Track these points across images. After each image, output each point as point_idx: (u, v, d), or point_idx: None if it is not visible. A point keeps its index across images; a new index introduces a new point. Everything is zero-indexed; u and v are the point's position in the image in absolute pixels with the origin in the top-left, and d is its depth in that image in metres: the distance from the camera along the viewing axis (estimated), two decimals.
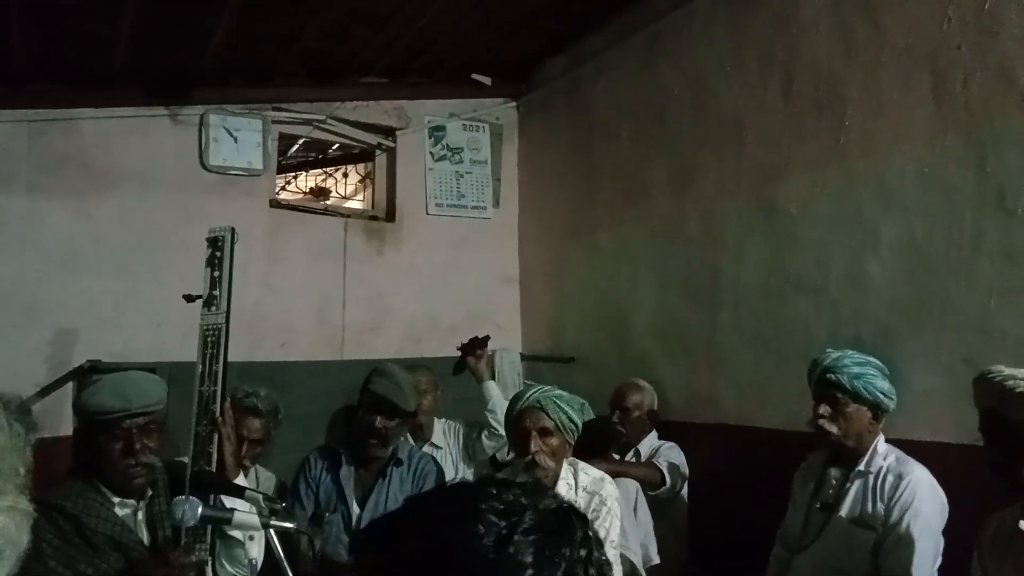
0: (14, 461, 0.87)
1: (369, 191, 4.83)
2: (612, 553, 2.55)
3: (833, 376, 2.41)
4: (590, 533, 0.74)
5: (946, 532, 2.28)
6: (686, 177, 3.61)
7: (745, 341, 3.28)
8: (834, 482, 2.47)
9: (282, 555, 1.83)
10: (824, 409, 2.42)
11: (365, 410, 2.70)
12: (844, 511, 2.38)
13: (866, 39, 2.81)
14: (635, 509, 2.97)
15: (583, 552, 0.72)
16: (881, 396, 2.40)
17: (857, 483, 2.39)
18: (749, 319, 3.27)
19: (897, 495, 2.27)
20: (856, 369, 2.41)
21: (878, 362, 2.45)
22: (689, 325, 3.58)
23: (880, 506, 2.30)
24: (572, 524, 0.73)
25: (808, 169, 2.99)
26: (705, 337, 3.48)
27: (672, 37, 3.70)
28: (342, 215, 4.52)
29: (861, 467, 2.39)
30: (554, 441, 2.54)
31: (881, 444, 2.41)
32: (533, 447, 2.52)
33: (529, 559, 0.68)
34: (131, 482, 2.10)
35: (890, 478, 2.32)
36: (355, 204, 4.94)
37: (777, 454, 2.88)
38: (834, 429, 2.40)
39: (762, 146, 3.20)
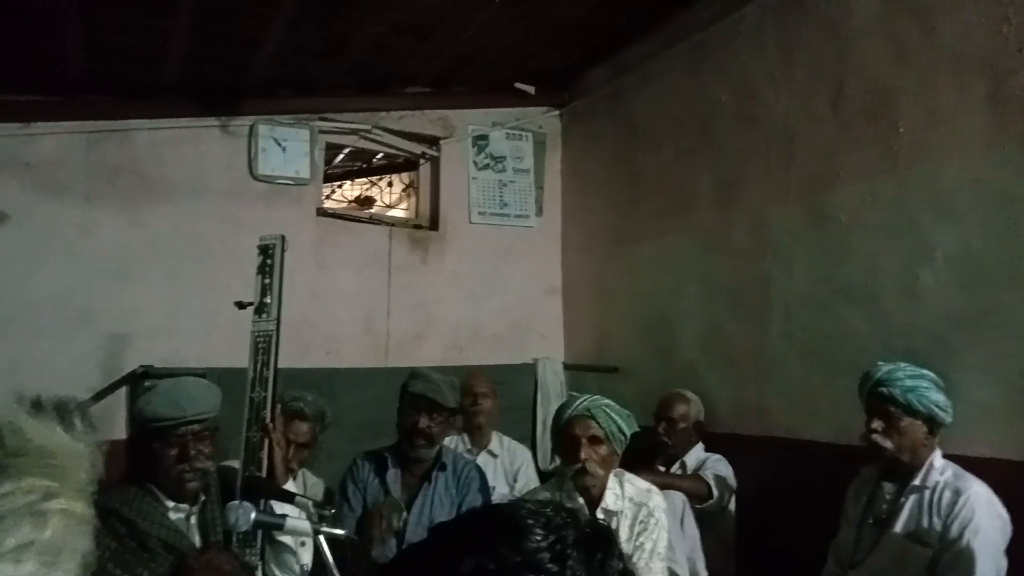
0: (75, 463, 0.86)
1: (413, 200, 4.87)
2: (660, 566, 2.52)
3: (885, 389, 2.36)
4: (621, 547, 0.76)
5: (1009, 552, 2.21)
6: (733, 187, 3.57)
7: (795, 352, 3.23)
8: (888, 497, 2.41)
9: (331, 561, 1.84)
10: (877, 423, 2.36)
11: (407, 412, 2.72)
12: (898, 527, 2.32)
13: (919, 45, 2.75)
14: (682, 522, 2.93)
15: (622, 565, 0.73)
16: (936, 409, 2.33)
17: (912, 498, 2.33)
18: (799, 330, 3.22)
19: (955, 511, 2.21)
20: (909, 382, 2.35)
21: (932, 375, 2.39)
22: (736, 336, 3.53)
23: (937, 522, 2.24)
24: (611, 538, 0.74)
25: (859, 178, 2.93)
26: (753, 348, 3.44)
27: (718, 46, 3.68)
28: (387, 224, 4.57)
29: (916, 482, 2.33)
30: (603, 450, 2.53)
31: (938, 459, 2.34)
32: (583, 455, 2.50)
33: (583, 572, 0.68)
34: (184, 487, 2.13)
35: (947, 494, 2.25)
36: (399, 213, 4.99)
37: (827, 467, 2.82)
38: (888, 444, 2.34)
39: (812, 155, 3.15)
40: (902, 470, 2.37)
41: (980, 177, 2.54)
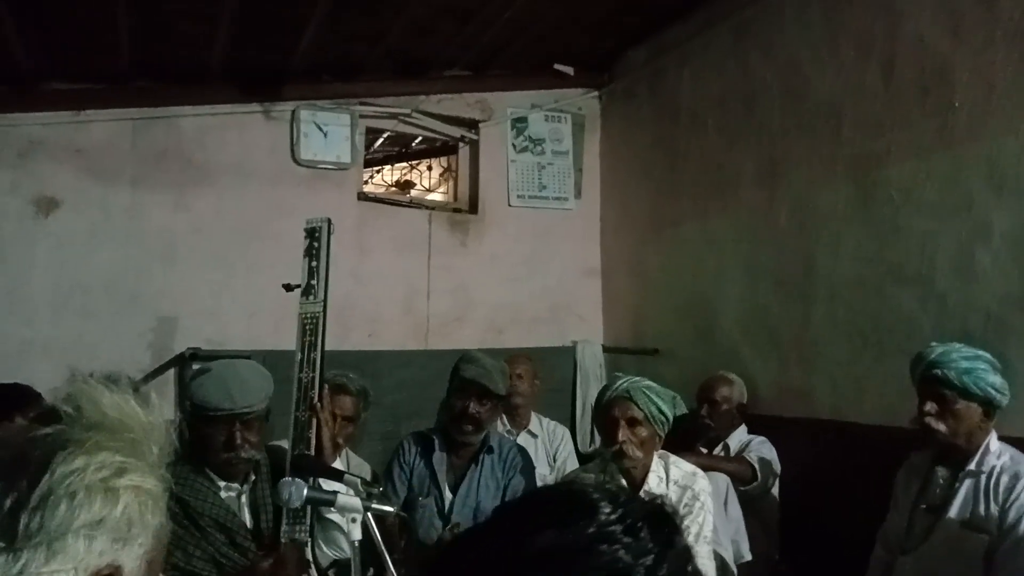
0: (149, 438, 0.87)
1: (452, 183, 4.88)
2: (705, 549, 2.51)
3: (940, 371, 2.29)
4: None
5: None
6: (776, 166, 3.51)
7: (840, 334, 3.18)
8: (941, 482, 2.35)
9: (379, 538, 1.86)
10: (930, 406, 2.30)
11: (456, 396, 2.72)
12: (953, 513, 2.27)
13: (976, 18, 2.67)
14: (726, 504, 2.91)
15: (684, 541, 0.74)
16: (993, 392, 2.27)
17: (967, 483, 2.27)
18: (845, 312, 3.16)
19: (1013, 496, 2.15)
20: (965, 364, 2.29)
21: (989, 356, 2.32)
22: (780, 318, 3.49)
23: (994, 508, 2.18)
24: (674, 514, 0.75)
25: (912, 155, 2.86)
26: (797, 330, 3.39)
27: (762, 24, 3.61)
28: (426, 207, 4.58)
29: (972, 466, 2.27)
30: (643, 432, 2.51)
31: (994, 442, 2.28)
32: (621, 437, 2.49)
33: (651, 546, 0.69)
34: (231, 471, 2.17)
35: (1004, 478, 2.19)
36: (438, 196, 5.00)
37: (875, 451, 2.78)
38: (942, 427, 2.28)
39: (861, 133, 3.08)
40: (956, 454, 2.31)
41: None
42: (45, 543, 0.77)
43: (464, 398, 2.71)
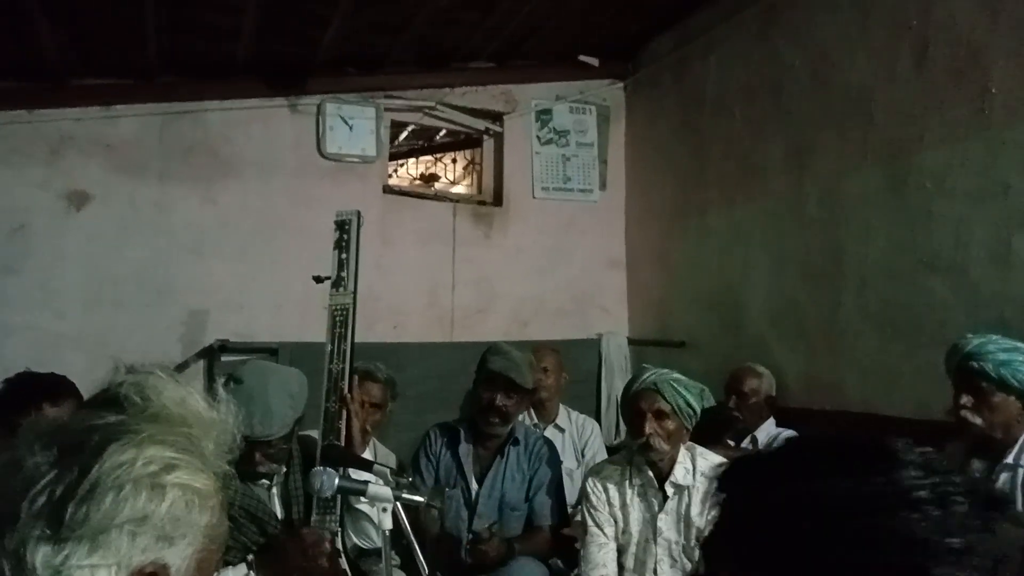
0: (206, 434, 0.86)
1: (476, 176, 4.87)
2: None
3: (976, 364, 2.25)
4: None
5: None
6: (805, 154, 3.46)
7: (871, 325, 3.13)
8: (977, 475, 2.31)
9: (409, 528, 1.87)
10: (966, 399, 2.26)
11: (484, 388, 2.72)
12: None
13: None
14: None
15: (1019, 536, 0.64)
16: None
17: (1004, 476, 2.23)
18: (876, 302, 3.12)
19: None
20: (1003, 356, 2.24)
21: None
22: (808, 308, 3.44)
23: None
24: (1008, 501, 0.66)
25: (946, 141, 2.81)
26: (826, 321, 3.35)
27: (790, 8, 3.56)
28: (451, 200, 4.58)
29: (1009, 459, 2.23)
30: (670, 424, 2.50)
31: None
32: (648, 429, 2.48)
33: (966, 525, 0.61)
34: (248, 479, 2.16)
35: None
36: (462, 189, 5.00)
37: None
38: (978, 420, 2.24)
39: (893, 119, 3.03)
40: (993, 447, 2.27)
41: None
42: (88, 536, 0.76)
43: (491, 390, 2.71)
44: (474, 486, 2.77)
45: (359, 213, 2.34)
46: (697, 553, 2.51)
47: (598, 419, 4.26)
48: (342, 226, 2.31)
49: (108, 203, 3.73)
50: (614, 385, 4.35)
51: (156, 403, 0.85)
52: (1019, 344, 2.27)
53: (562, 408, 3.61)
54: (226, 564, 2.02)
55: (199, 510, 0.83)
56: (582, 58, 4.51)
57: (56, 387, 2.28)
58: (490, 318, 4.41)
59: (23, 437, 0.81)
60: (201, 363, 3.74)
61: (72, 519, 0.75)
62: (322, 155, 4.12)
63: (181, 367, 3.66)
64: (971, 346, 2.28)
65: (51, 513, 0.76)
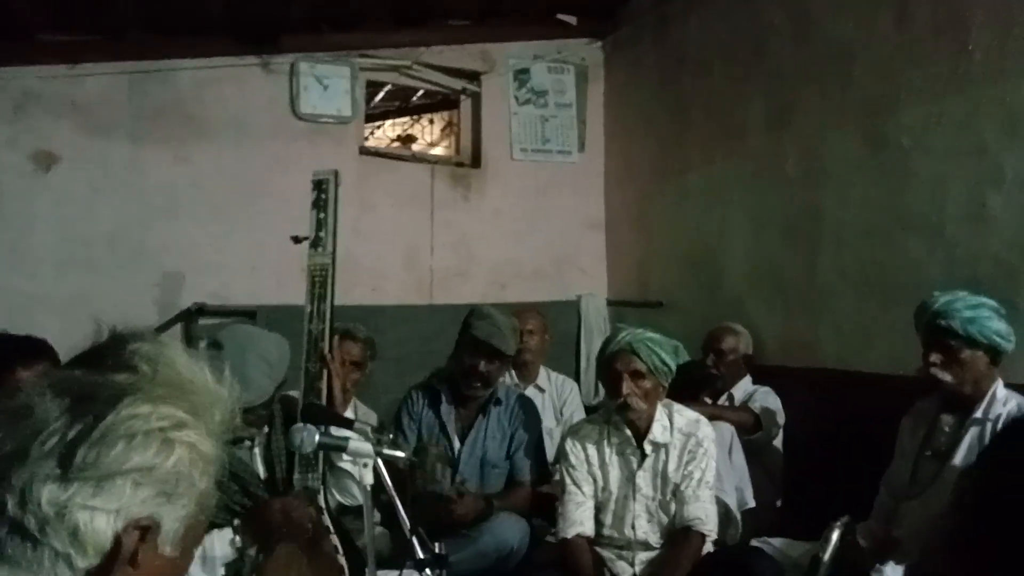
0: (213, 404, 0.88)
1: (454, 138, 4.83)
2: (707, 494, 2.54)
3: (944, 322, 2.29)
4: None
5: None
6: (785, 113, 3.46)
7: (847, 283, 3.17)
8: (947, 429, 2.36)
9: (389, 483, 1.88)
10: (936, 356, 2.30)
11: (467, 352, 2.73)
12: (958, 459, 2.28)
13: None
14: (730, 453, 2.94)
15: None
16: (998, 339, 2.27)
17: (973, 431, 2.28)
18: (853, 260, 3.15)
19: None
20: (969, 312, 2.28)
21: (992, 302, 2.31)
22: (786, 267, 3.48)
23: None
24: None
25: (924, 99, 2.82)
26: (803, 280, 3.38)
27: None
28: (428, 162, 4.54)
29: (978, 414, 2.28)
30: (646, 384, 2.52)
31: (1000, 389, 2.29)
32: (625, 390, 2.50)
33: None
34: (231, 441, 2.16)
35: (1011, 425, 2.20)
36: (440, 151, 4.95)
37: (880, 399, 2.79)
38: (948, 377, 2.28)
39: (872, 76, 3.03)
40: (963, 401, 2.32)
41: None
42: (95, 478, 0.78)
43: (474, 356, 2.72)
44: (456, 445, 2.80)
45: (337, 172, 2.30)
46: (672, 507, 2.56)
47: (577, 380, 4.29)
48: (320, 185, 2.27)
49: (78, 164, 3.65)
50: (593, 346, 4.37)
51: (167, 371, 0.87)
52: (985, 300, 2.30)
53: (542, 369, 3.63)
54: (212, 526, 2.03)
55: (200, 473, 0.85)
56: (560, 16, 4.45)
57: (31, 349, 2.24)
58: (469, 280, 4.41)
59: (33, 387, 0.83)
60: (178, 327, 3.71)
61: (83, 461, 0.78)
62: (296, 116, 4.05)
63: (158, 331, 3.62)
64: (939, 304, 2.31)
65: (62, 453, 0.78)
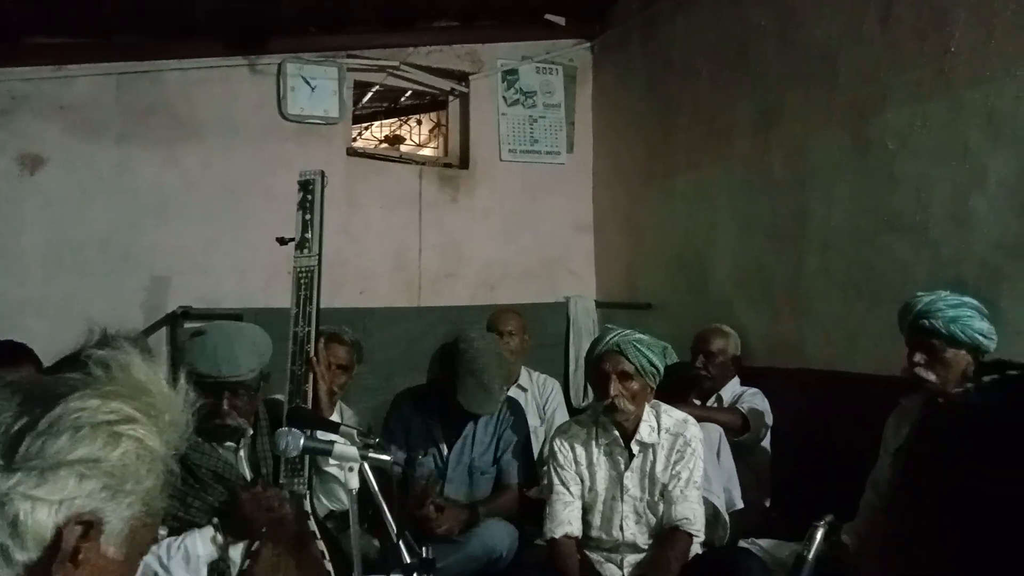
0: (165, 406, 0.87)
1: (442, 139, 4.82)
2: (695, 494, 2.55)
3: (927, 322, 2.30)
4: None
5: None
6: (771, 115, 3.47)
7: (834, 285, 3.18)
8: None
9: (376, 488, 1.87)
10: (920, 356, 2.31)
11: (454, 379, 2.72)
12: None
13: None
14: (718, 454, 2.95)
15: None
16: (980, 338, 2.28)
17: None
18: (839, 262, 3.16)
19: None
20: (951, 312, 2.30)
21: (975, 302, 2.33)
22: (773, 269, 3.49)
23: None
24: None
25: (909, 101, 2.83)
26: (790, 282, 3.39)
27: None
28: (417, 163, 4.53)
29: None
30: (634, 385, 2.53)
31: None
32: (613, 391, 2.51)
33: None
34: (216, 436, 2.16)
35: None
36: (428, 152, 4.94)
37: (867, 400, 2.80)
38: (931, 376, 2.30)
39: (857, 79, 3.04)
40: None
41: None
42: (39, 468, 0.77)
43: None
44: (444, 451, 2.79)
45: (323, 173, 2.30)
46: (660, 508, 2.56)
47: (566, 382, 4.30)
48: (306, 186, 2.27)
49: (65, 166, 3.63)
50: (582, 348, 4.37)
51: (122, 374, 0.86)
52: (967, 299, 2.32)
53: (524, 369, 3.64)
54: (193, 525, 2.02)
55: (147, 469, 0.83)
56: (549, 17, 4.45)
57: (13, 353, 2.23)
58: (458, 282, 4.40)
59: None
60: (164, 330, 3.69)
61: (27, 451, 0.76)
62: (284, 116, 4.03)
63: (144, 334, 3.60)
64: (922, 304, 2.32)
65: (7, 443, 0.77)
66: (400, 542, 1.72)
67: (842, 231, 3.15)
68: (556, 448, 2.64)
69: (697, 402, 3.30)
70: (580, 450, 2.62)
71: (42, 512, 0.76)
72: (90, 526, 0.79)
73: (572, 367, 4.42)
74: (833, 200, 3.18)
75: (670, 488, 2.54)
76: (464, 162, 4.53)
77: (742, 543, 2.69)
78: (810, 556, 2.10)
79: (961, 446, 0.53)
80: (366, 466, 1.86)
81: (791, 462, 3.21)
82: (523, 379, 3.62)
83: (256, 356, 2.18)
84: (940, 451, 0.54)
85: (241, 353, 2.15)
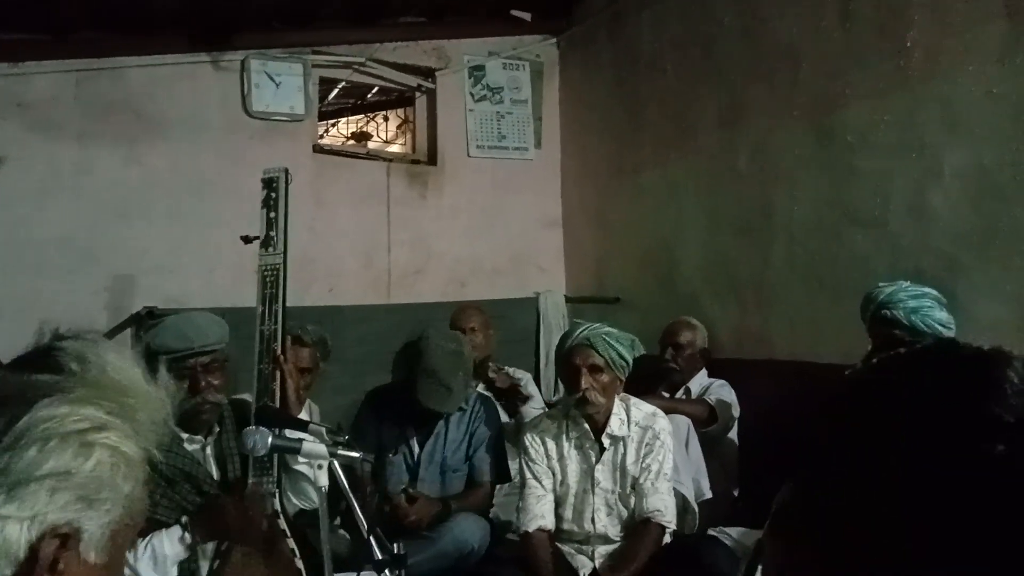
0: (143, 406, 0.84)
1: (410, 135, 4.80)
2: (665, 486, 2.58)
3: (888, 312, 2.36)
4: None
5: None
6: (736, 110, 3.52)
7: (798, 277, 3.23)
8: None
9: (346, 484, 1.87)
10: (882, 348, 2.37)
11: (418, 377, 2.71)
12: None
13: None
14: (687, 445, 2.98)
15: None
16: (940, 327, 2.34)
17: None
18: (803, 255, 3.21)
19: None
20: (912, 303, 2.35)
21: (935, 292, 2.39)
22: (739, 263, 3.53)
23: None
24: None
25: (868, 96, 2.88)
26: (756, 274, 3.44)
27: None
28: (384, 159, 4.51)
29: None
30: (604, 378, 2.55)
31: None
32: (583, 384, 2.53)
33: None
34: (198, 419, 2.16)
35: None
36: (396, 148, 4.92)
37: (831, 389, 2.84)
38: None
39: (818, 74, 3.09)
40: None
41: (994, 90, 2.49)
42: (7, 485, 0.73)
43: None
44: (416, 449, 2.79)
45: (287, 170, 2.29)
46: (631, 500, 2.59)
47: (537, 376, 4.32)
48: (270, 184, 2.25)
49: (24, 165, 3.55)
50: (552, 343, 4.38)
51: (95, 371, 0.82)
52: (927, 290, 2.38)
53: (491, 364, 3.63)
54: (161, 525, 2.00)
55: (123, 476, 0.80)
56: (515, 13, 4.45)
57: None
58: (427, 279, 4.40)
59: None
60: (128, 331, 3.63)
61: None
62: (249, 114, 3.99)
63: (107, 335, 3.54)
64: (883, 295, 2.38)
65: None
66: (371, 538, 1.72)
67: (806, 224, 3.20)
68: (528, 442, 2.65)
69: (666, 394, 3.34)
70: (551, 444, 2.64)
71: (13, 529, 0.73)
72: (68, 537, 0.76)
73: (543, 362, 4.44)
74: (797, 194, 3.23)
75: (641, 480, 2.56)
76: (432, 158, 4.52)
77: (711, 532, 2.73)
78: None
79: (835, 412, 0.57)
80: (335, 463, 1.85)
81: (758, 452, 3.25)
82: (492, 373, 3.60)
83: (219, 327, 2.23)
84: (820, 419, 0.58)
85: (204, 323, 2.20)
